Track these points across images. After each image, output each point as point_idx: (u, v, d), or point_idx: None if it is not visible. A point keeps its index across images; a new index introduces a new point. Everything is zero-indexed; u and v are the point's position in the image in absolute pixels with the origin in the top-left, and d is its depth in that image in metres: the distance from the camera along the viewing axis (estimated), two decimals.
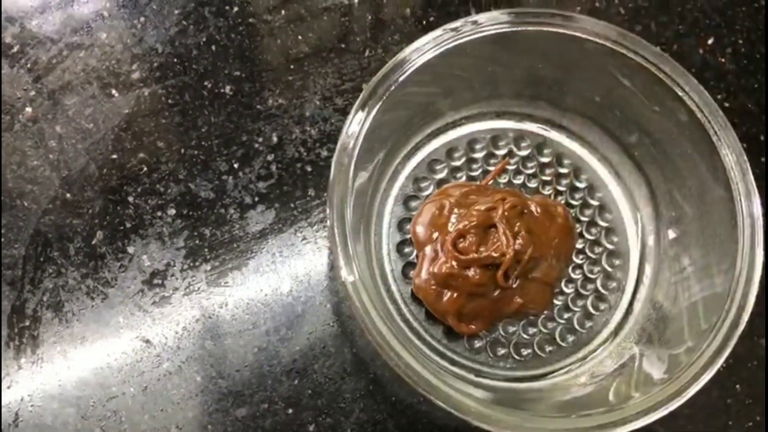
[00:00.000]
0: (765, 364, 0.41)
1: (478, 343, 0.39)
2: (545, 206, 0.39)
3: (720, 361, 0.31)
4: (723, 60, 0.47)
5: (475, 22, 0.36)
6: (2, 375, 0.38)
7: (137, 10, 0.45)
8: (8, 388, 0.38)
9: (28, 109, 0.43)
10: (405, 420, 0.39)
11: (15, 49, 0.44)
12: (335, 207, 0.33)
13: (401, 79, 0.35)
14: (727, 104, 0.46)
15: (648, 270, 0.40)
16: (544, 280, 0.38)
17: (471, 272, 0.36)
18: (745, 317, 0.32)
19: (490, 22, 0.36)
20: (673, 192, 0.39)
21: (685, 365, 0.32)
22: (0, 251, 0.40)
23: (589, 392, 0.37)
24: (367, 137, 0.35)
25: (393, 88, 0.35)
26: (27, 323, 0.39)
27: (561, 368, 0.39)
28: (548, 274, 0.38)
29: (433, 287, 0.37)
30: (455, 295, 0.37)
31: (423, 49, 0.36)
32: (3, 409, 0.37)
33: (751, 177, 0.34)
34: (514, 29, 0.37)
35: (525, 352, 0.39)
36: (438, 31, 0.36)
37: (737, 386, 0.41)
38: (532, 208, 0.38)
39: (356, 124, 0.34)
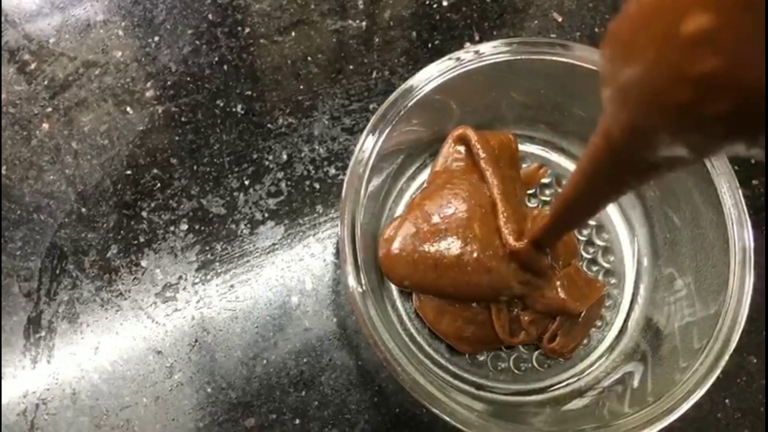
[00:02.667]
0: (766, 381, 0.43)
1: (480, 358, 0.40)
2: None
3: (710, 381, 0.33)
4: None
5: (477, 52, 0.38)
6: (18, 384, 0.39)
7: (151, 29, 0.47)
8: (24, 397, 0.39)
9: (45, 126, 0.44)
10: (408, 431, 0.40)
11: (32, 66, 0.45)
12: (347, 227, 0.34)
13: (410, 104, 0.37)
14: None
15: (642, 289, 0.42)
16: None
17: None
18: (735, 338, 0.34)
19: (492, 52, 0.38)
20: (669, 214, 0.40)
21: (677, 384, 0.33)
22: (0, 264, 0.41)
23: (584, 407, 0.38)
24: (377, 158, 0.36)
25: (402, 113, 0.37)
26: (43, 333, 0.40)
27: (558, 383, 0.40)
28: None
29: (433, 308, 0.39)
30: (453, 319, 0.38)
31: (429, 78, 0.37)
32: (19, 418, 0.39)
33: (743, 202, 0.35)
34: (515, 58, 0.38)
35: (524, 366, 0.40)
36: (443, 60, 0.38)
37: (726, 401, 0.42)
38: None
39: (367, 147, 0.36)
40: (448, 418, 0.32)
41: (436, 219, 0.37)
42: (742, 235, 0.35)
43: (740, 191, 0.36)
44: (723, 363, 0.33)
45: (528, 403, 0.40)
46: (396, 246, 0.37)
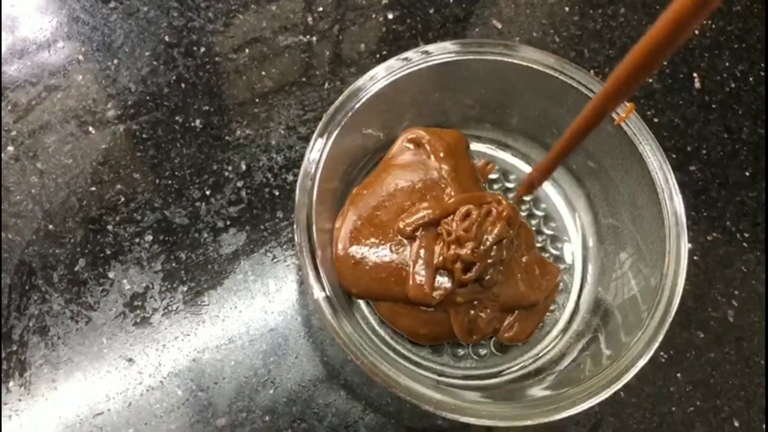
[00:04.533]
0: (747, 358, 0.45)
1: (439, 346, 0.42)
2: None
3: (655, 345, 0.35)
4: (651, 81, 0.52)
5: (425, 52, 0.40)
6: None
7: (110, 53, 0.49)
8: None
9: (10, 148, 0.46)
10: (375, 422, 0.41)
11: None
12: (302, 228, 0.36)
13: (357, 106, 0.39)
14: (656, 120, 0.50)
15: (591, 270, 0.44)
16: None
17: None
18: (675, 303, 0.35)
19: (439, 51, 0.40)
20: (609, 199, 0.43)
21: (625, 350, 0.35)
22: None
23: (544, 385, 0.40)
24: (328, 161, 0.38)
25: (350, 114, 0.38)
26: (14, 348, 0.41)
27: (516, 365, 0.42)
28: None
29: (388, 308, 0.40)
30: (408, 319, 0.39)
31: (377, 78, 0.39)
32: None
33: (674, 179, 0.38)
34: (462, 58, 0.41)
35: (483, 352, 0.42)
36: (391, 61, 0.40)
37: (678, 375, 0.44)
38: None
39: (317, 150, 0.37)
40: (408, 398, 0.33)
41: (377, 211, 0.39)
42: (674, 209, 0.37)
43: (671, 170, 0.38)
44: (665, 328, 0.35)
45: (489, 386, 0.41)
46: (340, 247, 0.39)
